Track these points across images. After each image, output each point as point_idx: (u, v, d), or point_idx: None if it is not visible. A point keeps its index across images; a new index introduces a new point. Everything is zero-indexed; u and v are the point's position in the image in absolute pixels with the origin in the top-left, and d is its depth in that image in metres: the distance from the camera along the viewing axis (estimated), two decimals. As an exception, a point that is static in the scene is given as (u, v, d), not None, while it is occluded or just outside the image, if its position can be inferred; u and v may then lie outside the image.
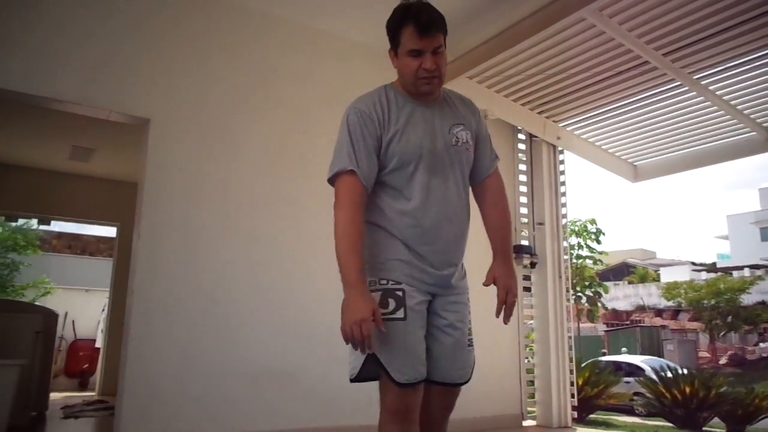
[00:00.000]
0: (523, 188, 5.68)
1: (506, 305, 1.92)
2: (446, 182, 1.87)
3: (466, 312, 1.94)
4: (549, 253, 5.50)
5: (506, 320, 1.93)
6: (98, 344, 8.91)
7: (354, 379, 1.80)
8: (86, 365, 9.33)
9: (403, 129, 1.84)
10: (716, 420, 8.48)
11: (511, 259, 2.01)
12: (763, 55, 4.46)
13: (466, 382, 1.92)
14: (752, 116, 5.15)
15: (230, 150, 4.12)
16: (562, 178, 5.80)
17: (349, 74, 4.61)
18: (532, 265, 5.46)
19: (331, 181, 1.83)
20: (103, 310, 8.72)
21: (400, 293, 1.77)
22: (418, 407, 1.81)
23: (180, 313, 3.73)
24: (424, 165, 1.83)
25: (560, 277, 5.51)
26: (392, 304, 1.76)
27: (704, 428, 7.49)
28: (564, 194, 5.78)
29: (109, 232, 10.16)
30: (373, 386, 1.81)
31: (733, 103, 5.01)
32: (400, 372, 1.72)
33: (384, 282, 1.79)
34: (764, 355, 22.37)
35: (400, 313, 1.75)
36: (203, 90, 4.09)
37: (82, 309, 10.25)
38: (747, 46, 4.30)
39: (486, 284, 1.97)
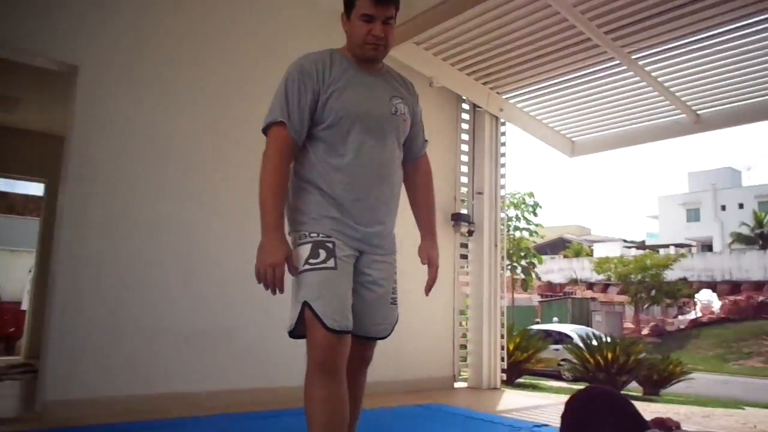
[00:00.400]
0: (465, 157, 5.76)
1: (432, 280, 2.12)
2: (381, 145, 1.94)
3: (391, 271, 2.03)
4: (486, 222, 5.63)
5: (427, 292, 2.09)
6: (24, 307, 8.56)
7: (292, 332, 1.86)
8: (12, 329, 8.98)
9: (343, 88, 1.90)
10: (634, 384, 9.06)
11: (436, 238, 2.17)
12: (698, 39, 4.62)
13: (385, 337, 2.03)
14: (683, 98, 5.36)
15: (167, 105, 3.96)
16: (502, 150, 5.91)
17: (295, 32, 4.50)
18: (470, 233, 5.58)
19: (265, 132, 1.90)
20: (30, 271, 8.36)
21: (330, 245, 1.84)
22: (345, 361, 1.84)
23: (109, 272, 3.61)
24: (360, 125, 1.89)
25: (496, 246, 5.66)
26: (323, 254, 1.82)
27: (622, 391, 7.96)
28: (504, 165, 5.90)
29: (38, 190, 9.68)
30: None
31: (666, 84, 5.19)
32: (333, 319, 1.77)
33: (314, 234, 1.86)
34: (682, 326, 23.86)
35: (330, 263, 1.82)
36: (140, 38, 3.88)
37: (7, 271, 9.79)
38: (684, 29, 4.45)
39: (423, 263, 2.13)
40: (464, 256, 5.61)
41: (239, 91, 4.24)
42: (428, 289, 2.09)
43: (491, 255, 5.62)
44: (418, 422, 3.66)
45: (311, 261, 1.82)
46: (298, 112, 1.86)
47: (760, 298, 24.50)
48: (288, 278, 1.82)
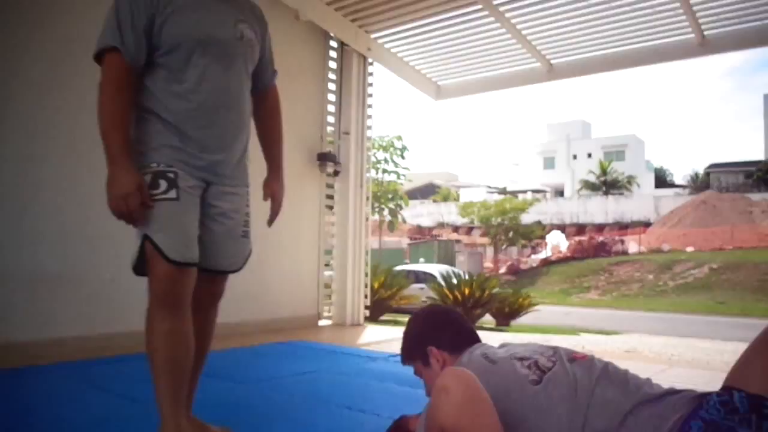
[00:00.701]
0: (332, 96, 5.69)
1: (275, 214, 2.07)
2: (227, 71, 1.83)
3: (242, 203, 1.95)
4: (353, 162, 5.66)
5: (270, 224, 2.04)
6: None
7: (135, 269, 1.76)
8: None
9: (181, 10, 1.75)
10: (489, 318, 9.83)
11: (282, 172, 2.10)
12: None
13: (236, 271, 1.96)
14: (538, 47, 5.66)
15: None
16: (370, 90, 5.91)
17: None
18: (336, 173, 5.58)
19: (97, 59, 1.74)
20: None
21: (171, 175, 1.73)
22: (189, 295, 1.78)
23: None
24: (202, 50, 1.77)
25: (362, 186, 5.73)
26: (164, 184, 1.72)
27: (477, 323, 8.60)
28: (371, 106, 5.92)
29: None
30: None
31: (524, 33, 5.44)
32: (175, 251, 1.69)
33: (154, 165, 1.74)
34: (534, 265, 26.11)
35: (172, 194, 1.72)
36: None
37: None
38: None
39: (265, 199, 2.05)
40: (330, 197, 5.63)
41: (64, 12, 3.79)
42: (270, 222, 2.04)
43: (357, 195, 5.69)
44: (279, 358, 3.69)
45: (151, 192, 1.71)
46: (133, 36, 1.70)
47: (600, 239, 27.39)
48: None
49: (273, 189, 2.05)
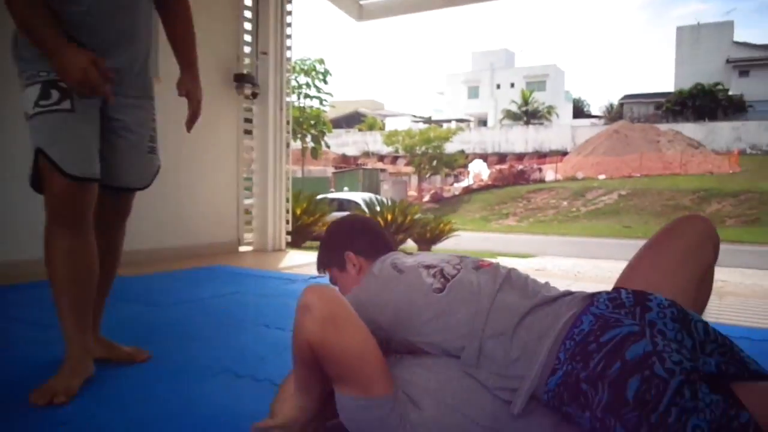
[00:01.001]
0: (248, 13, 5.37)
1: (194, 115, 1.93)
2: None
3: (146, 117, 1.85)
4: (272, 84, 5.45)
5: (189, 128, 1.94)
6: None
7: (33, 185, 1.66)
8: None
9: None
10: (411, 244, 10.08)
11: (197, 71, 1.97)
12: None
13: (143, 188, 1.89)
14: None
15: None
16: (289, 8, 5.63)
17: None
18: (254, 95, 5.36)
19: None
20: None
21: (64, 84, 1.60)
22: (89, 212, 1.69)
23: None
24: None
25: (281, 110, 5.56)
26: (56, 95, 1.60)
27: (399, 248, 8.81)
28: (290, 25, 5.65)
29: None
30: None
31: (447, -49, 5.31)
32: (72, 164, 1.59)
33: (44, 73, 1.61)
34: (456, 193, 26.82)
35: (65, 104, 1.60)
36: None
37: None
38: None
39: (180, 95, 1.92)
40: (248, 120, 5.43)
41: None
42: (190, 125, 1.93)
43: (276, 119, 5.53)
44: (196, 282, 3.63)
45: (42, 103, 1.59)
46: None
47: (520, 167, 28.37)
48: None
49: (188, 88, 1.91)
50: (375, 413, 1.19)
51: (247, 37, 5.40)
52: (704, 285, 1.30)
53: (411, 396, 1.22)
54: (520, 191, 25.30)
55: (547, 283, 1.37)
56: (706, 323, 1.14)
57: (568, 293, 1.30)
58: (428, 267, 1.37)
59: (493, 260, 1.57)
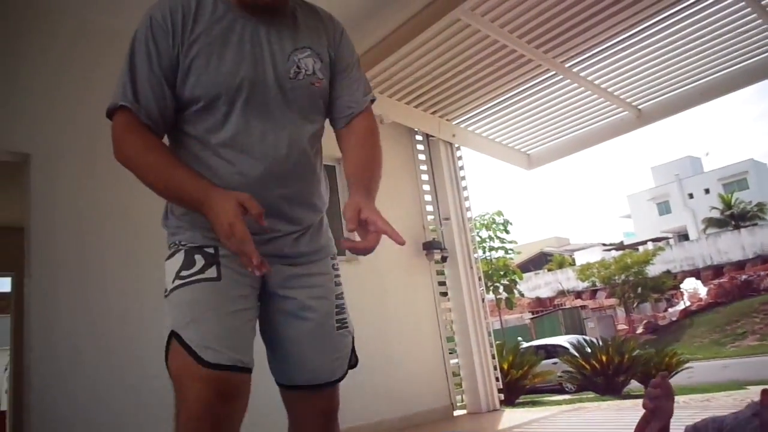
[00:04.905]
0: (426, 186, 5.87)
1: (388, 231, 1.25)
2: (277, 129, 1.32)
3: (327, 286, 1.42)
4: (458, 246, 5.70)
5: (399, 240, 1.25)
6: (4, 407, 8.28)
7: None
8: (-7, 432, 8.63)
9: (211, 48, 1.28)
10: (636, 384, 9.06)
11: (374, 196, 1.36)
12: (624, 38, 4.88)
13: (341, 378, 1.42)
14: (621, 96, 5.58)
15: (119, 174, 3.90)
16: (462, 173, 6.04)
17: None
18: (443, 259, 5.63)
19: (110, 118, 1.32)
20: (6, 369, 8.13)
21: (210, 249, 1.29)
22: (235, 416, 1.20)
23: (85, 359, 3.46)
24: (242, 102, 1.29)
25: (471, 268, 5.72)
26: (200, 261, 1.27)
27: (623, 391, 7.96)
28: (466, 188, 6.02)
29: (5, 285, 9.47)
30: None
31: (603, 86, 5.42)
32: (210, 348, 1.17)
33: (192, 244, 1.32)
34: (673, 319, 24.03)
35: (211, 272, 1.26)
36: (80, 116, 3.78)
37: (-17, 371, 9.49)
38: (610, 31, 4.69)
39: (351, 227, 1.24)
40: (442, 283, 5.65)
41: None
42: (369, 250, 1.24)
43: (468, 277, 5.68)
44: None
45: (183, 273, 1.26)
46: (150, 89, 1.26)
47: (743, 277, 24.86)
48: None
49: (365, 212, 1.25)
50: None
51: (429, 208, 5.83)
52: None
53: None
54: (752, 304, 21.90)
55: None
56: None
57: None
58: None
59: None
